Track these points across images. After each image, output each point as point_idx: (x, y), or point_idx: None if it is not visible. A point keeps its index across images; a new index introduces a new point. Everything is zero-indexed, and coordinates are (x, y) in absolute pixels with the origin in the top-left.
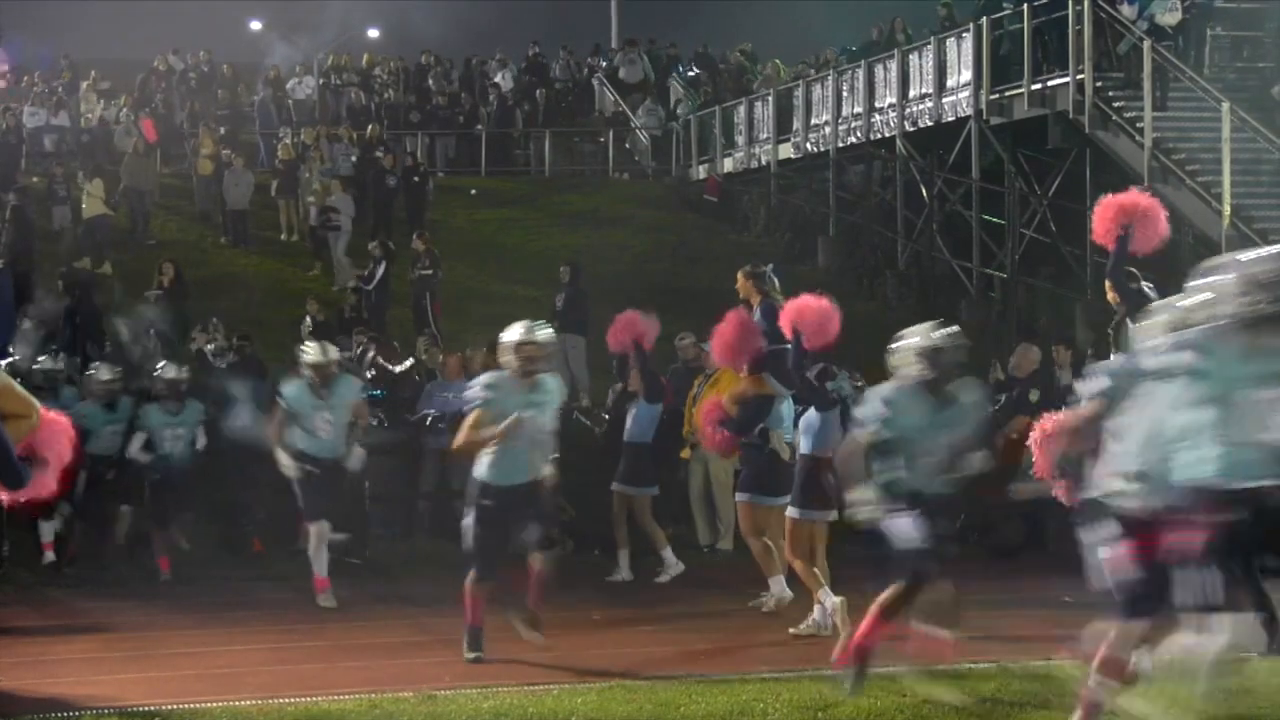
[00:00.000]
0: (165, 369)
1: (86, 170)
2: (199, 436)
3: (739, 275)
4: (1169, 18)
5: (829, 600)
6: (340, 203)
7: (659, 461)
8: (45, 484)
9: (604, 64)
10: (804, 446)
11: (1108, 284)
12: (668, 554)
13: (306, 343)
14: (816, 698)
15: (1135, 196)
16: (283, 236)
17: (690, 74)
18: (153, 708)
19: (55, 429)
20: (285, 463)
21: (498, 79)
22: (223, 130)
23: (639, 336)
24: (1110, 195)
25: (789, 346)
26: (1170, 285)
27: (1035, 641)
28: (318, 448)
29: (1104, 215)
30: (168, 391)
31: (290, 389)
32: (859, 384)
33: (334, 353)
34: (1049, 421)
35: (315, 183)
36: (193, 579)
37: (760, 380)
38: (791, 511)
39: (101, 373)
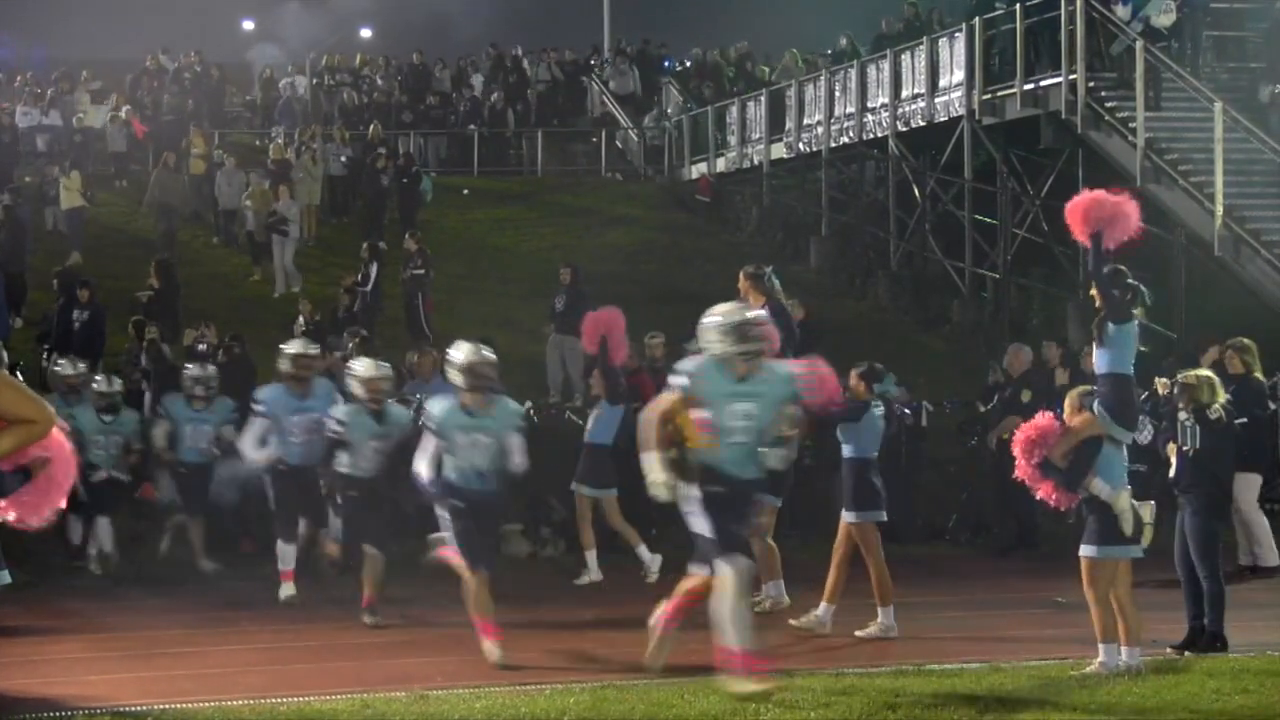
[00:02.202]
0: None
1: (63, 166)
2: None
3: (740, 276)
4: (1164, 19)
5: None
6: (286, 210)
7: (622, 462)
8: (37, 504)
9: (604, 68)
10: (848, 450)
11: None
12: (643, 551)
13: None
14: (809, 697)
15: (1101, 197)
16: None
17: (678, 68)
18: (145, 708)
19: (54, 441)
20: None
21: (472, 81)
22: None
23: (608, 335)
24: (1079, 196)
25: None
26: (1162, 283)
27: (1028, 641)
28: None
29: (1075, 217)
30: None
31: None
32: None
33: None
34: (1031, 426)
35: (250, 185)
36: (184, 580)
37: None
38: (849, 516)
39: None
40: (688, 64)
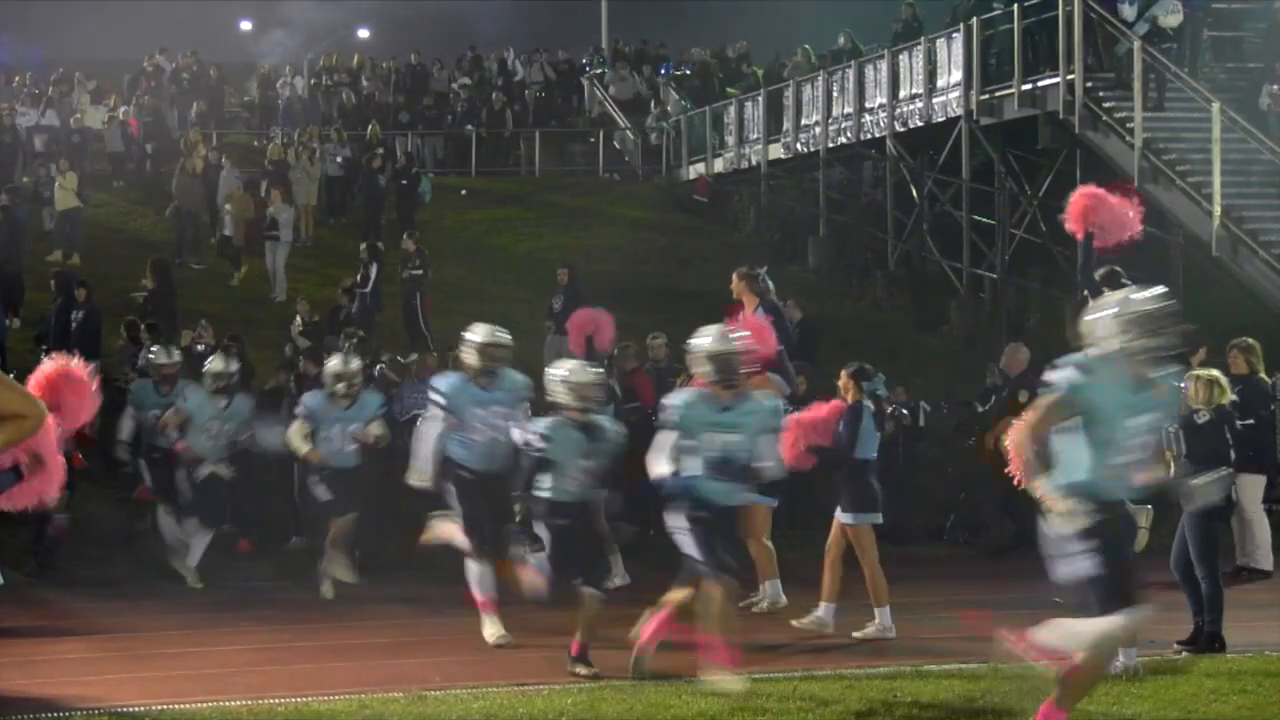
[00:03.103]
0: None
1: (58, 166)
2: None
3: (734, 276)
4: (1171, 20)
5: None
6: (280, 212)
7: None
8: (33, 490)
9: (599, 71)
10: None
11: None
12: (617, 561)
13: None
14: (807, 697)
15: (1102, 200)
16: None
17: (677, 72)
18: (143, 708)
19: (49, 432)
20: None
21: (460, 82)
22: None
23: (594, 334)
24: (1082, 191)
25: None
26: (1160, 284)
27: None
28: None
29: (1074, 211)
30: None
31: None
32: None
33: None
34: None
35: (226, 188)
36: (182, 580)
37: (766, 381)
38: (845, 518)
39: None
40: (688, 70)
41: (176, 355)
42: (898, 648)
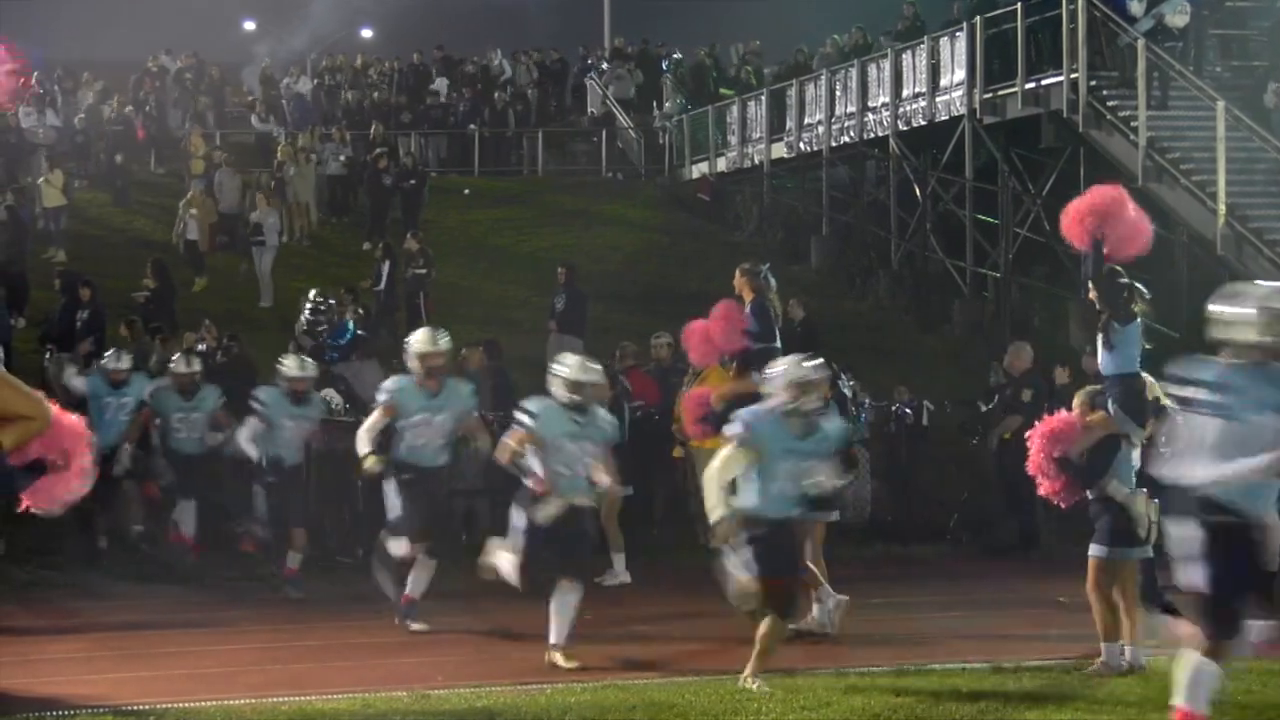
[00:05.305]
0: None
1: (46, 163)
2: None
3: (737, 272)
4: (1179, 19)
5: (831, 599)
6: (265, 217)
7: (632, 464)
8: (53, 490)
9: (602, 72)
10: None
11: (1090, 284)
12: (619, 560)
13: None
14: (810, 697)
15: (1103, 199)
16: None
17: (676, 59)
18: (146, 707)
19: (67, 431)
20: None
21: (434, 86)
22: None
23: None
24: (1079, 198)
25: (776, 345)
26: (1164, 283)
27: (1029, 641)
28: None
29: (1073, 218)
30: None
31: None
32: (852, 383)
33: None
34: (1055, 420)
35: (191, 190)
36: (184, 579)
37: (749, 379)
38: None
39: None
40: (678, 57)
41: (445, 341)
42: (902, 647)
